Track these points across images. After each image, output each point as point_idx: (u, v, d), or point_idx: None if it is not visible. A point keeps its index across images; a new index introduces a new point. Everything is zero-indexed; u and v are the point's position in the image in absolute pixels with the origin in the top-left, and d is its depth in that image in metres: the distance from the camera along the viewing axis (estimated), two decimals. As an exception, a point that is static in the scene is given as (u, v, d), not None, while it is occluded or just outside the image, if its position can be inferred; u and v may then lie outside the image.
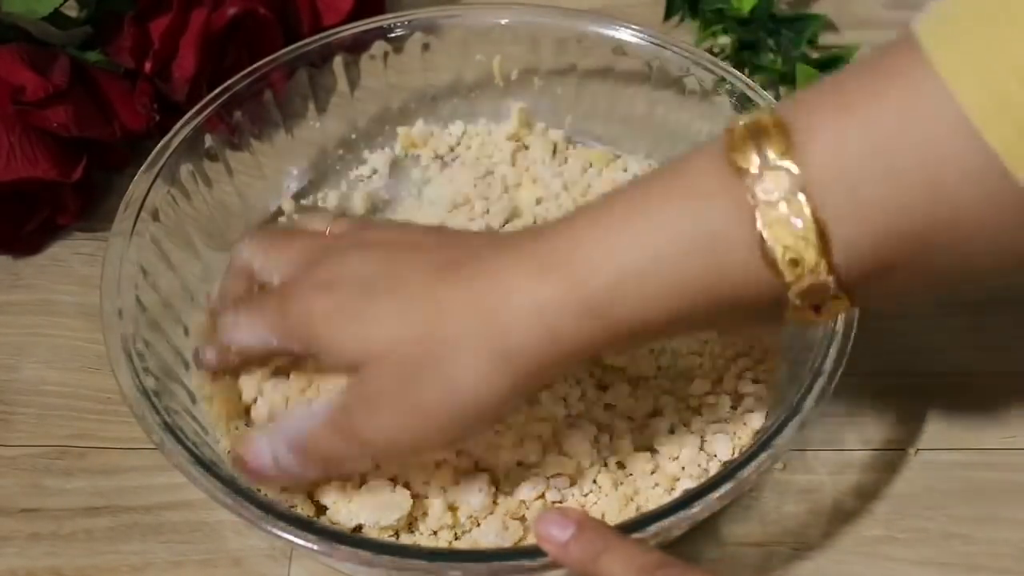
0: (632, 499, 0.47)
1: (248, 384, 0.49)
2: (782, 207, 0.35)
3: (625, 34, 0.58)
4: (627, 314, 0.38)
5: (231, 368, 0.48)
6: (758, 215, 0.35)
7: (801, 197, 0.35)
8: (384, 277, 0.42)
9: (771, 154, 0.35)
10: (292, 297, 0.43)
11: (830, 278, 0.36)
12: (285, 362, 0.50)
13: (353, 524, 0.45)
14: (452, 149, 0.62)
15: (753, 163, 0.35)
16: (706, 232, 0.37)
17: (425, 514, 0.46)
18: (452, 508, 0.46)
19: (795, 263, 0.35)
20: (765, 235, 0.35)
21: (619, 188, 0.41)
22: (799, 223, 0.35)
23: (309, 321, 0.42)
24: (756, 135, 0.36)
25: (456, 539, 0.46)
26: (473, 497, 0.45)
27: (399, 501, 0.45)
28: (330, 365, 0.43)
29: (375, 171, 0.61)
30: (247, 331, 0.45)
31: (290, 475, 0.44)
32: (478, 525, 0.46)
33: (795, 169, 0.35)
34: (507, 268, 0.40)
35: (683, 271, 0.37)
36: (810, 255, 0.35)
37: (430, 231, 0.48)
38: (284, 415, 0.47)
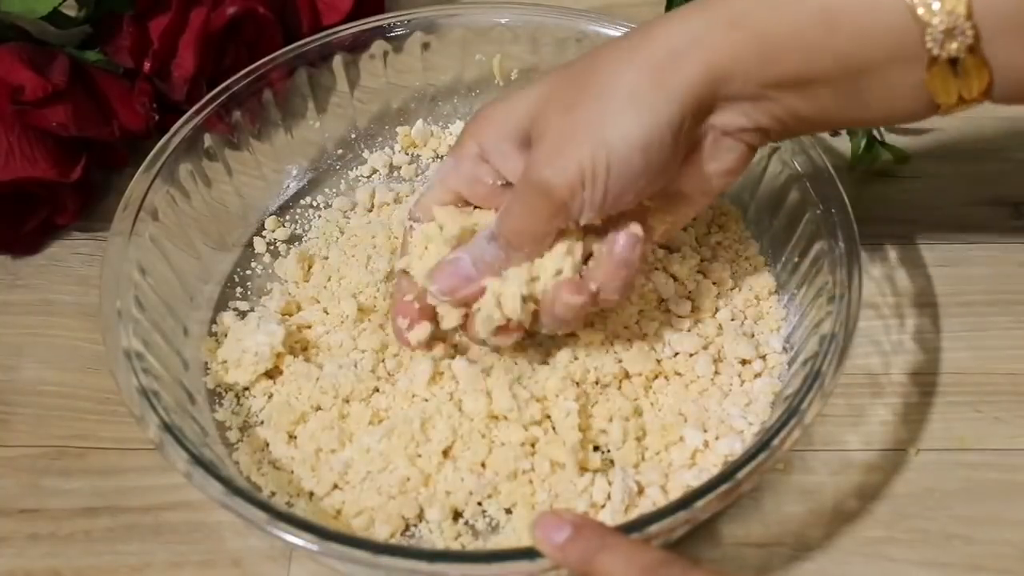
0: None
1: None
2: None
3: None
4: (770, 26, 0.40)
5: None
6: None
7: None
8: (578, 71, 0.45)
9: None
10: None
11: (967, 23, 0.37)
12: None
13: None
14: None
15: None
16: None
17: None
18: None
19: (944, 30, 0.37)
20: None
21: None
22: None
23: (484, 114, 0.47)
24: None
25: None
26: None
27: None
28: (506, 135, 0.46)
29: (375, 171, 0.61)
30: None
31: (496, 267, 0.45)
32: None
33: None
34: (660, 25, 0.43)
35: (826, 12, 0.39)
36: (959, 24, 0.37)
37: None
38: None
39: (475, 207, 0.48)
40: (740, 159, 0.45)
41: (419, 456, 0.47)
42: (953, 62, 0.38)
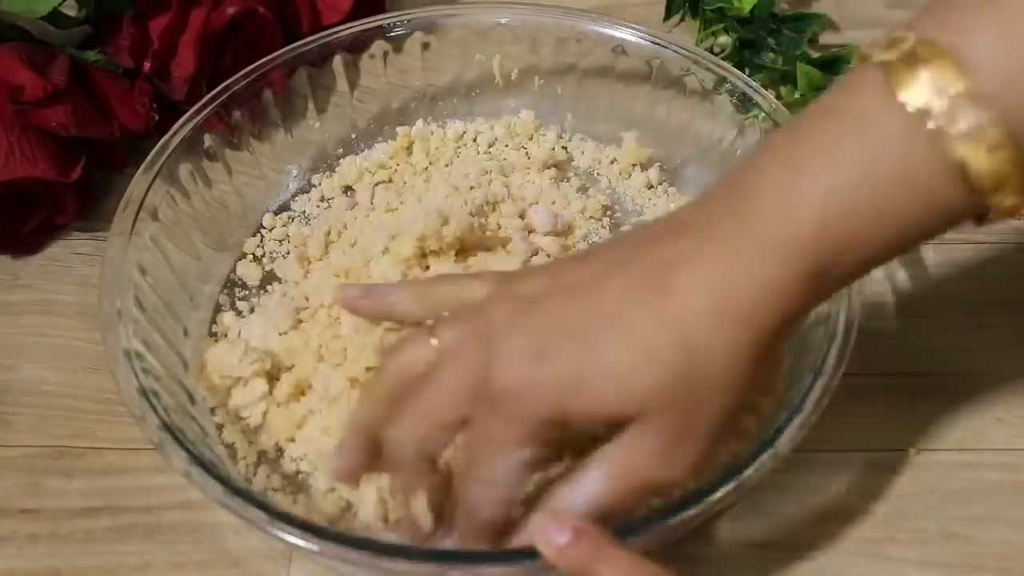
0: None
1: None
2: (974, 134, 0.35)
3: (625, 34, 0.58)
4: (842, 267, 0.38)
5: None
6: (953, 146, 0.35)
7: (988, 118, 0.34)
8: (588, 319, 0.39)
9: (939, 83, 0.35)
10: (508, 392, 0.39)
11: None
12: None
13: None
14: (456, 150, 0.62)
15: (927, 98, 0.35)
16: (898, 163, 0.36)
17: None
18: None
19: (998, 184, 0.35)
20: (966, 163, 0.35)
21: (761, 156, 0.39)
22: (996, 144, 0.35)
23: (543, 398, 0.38)
24: (913, 63, 0.35)
25: None
26: None
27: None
28: (580, 429, 0.40)
29: (375, 171, 0.61)
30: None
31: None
32: None
33: (972, 93, 0.34)
34: (721, 257, 0.38)
35: (886, 210, 0.37)
36: (1013, 172, 0.35)
37: (567, 260, 0.44)
38: (556, 493, 0.41)
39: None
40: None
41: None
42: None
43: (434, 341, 0.41)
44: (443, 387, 0.40)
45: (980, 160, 0.35)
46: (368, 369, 0.49)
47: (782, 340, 0.39)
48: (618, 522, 0.40)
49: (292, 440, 0.49)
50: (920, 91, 0.35)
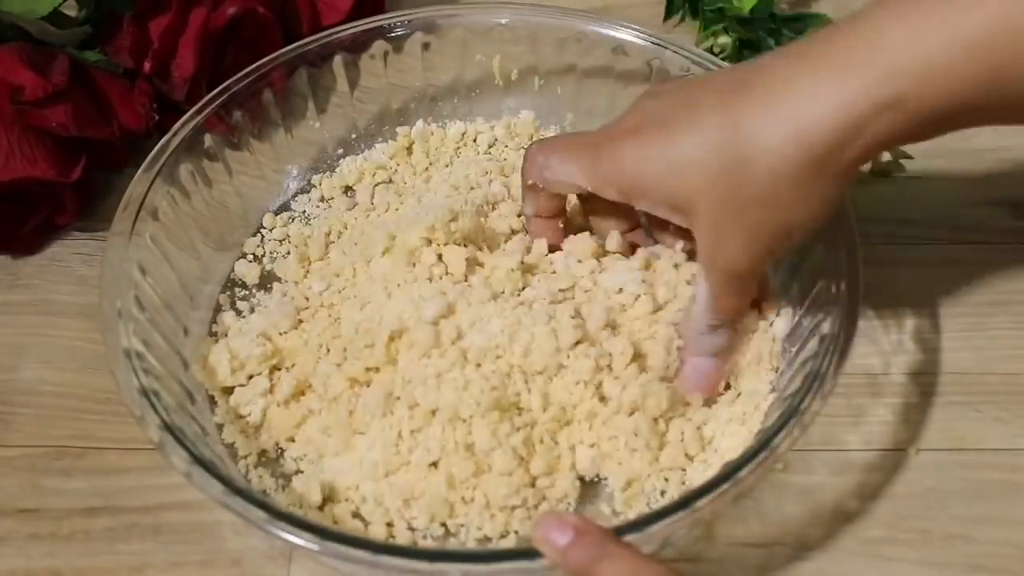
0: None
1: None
2: None
3: (625, 34, 0.58)
4: (930, 104, 0.39)
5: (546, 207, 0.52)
6: None
7: None
8: (679, 107, 0.44)
9: None
10: (602, 145, 0.47)
11: None
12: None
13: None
14: (456, 150, 0.62)
15: None
16: (1007, 26, 0.37)
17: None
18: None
19: None
20: None
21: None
22: None
23: (622, 168, 0.46)
24: None
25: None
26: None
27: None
28: (651, 207, 0.46)
29: (375, 171, 0.61)
30: (562, 175, 0.48)
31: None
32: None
33: None
34: (802, 75, 0.41)
35: (987, 60, 0.38)
36: None
37: (712, 72, 0.52)
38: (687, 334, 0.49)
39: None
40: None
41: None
42: None
43: None
44: None
45: None
46: (368, 369, 0.49)
47: (843, 181, 0.42)
48: (746, 315, 0.50)
49: (292, 440, 0.50)
50: None
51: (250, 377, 0.51)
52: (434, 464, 0.47)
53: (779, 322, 0.53)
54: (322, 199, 0.60)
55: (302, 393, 0.51)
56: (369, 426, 0.48)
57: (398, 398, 0.48)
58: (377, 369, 0.50)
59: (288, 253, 0.57)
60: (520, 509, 0.46)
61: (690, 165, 0.43)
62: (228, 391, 0.51)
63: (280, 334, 0.52)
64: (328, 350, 0.51)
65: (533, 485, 0.47)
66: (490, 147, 0.62)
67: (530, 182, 0.50)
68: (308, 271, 0.56)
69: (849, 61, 0.39)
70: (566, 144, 0.49)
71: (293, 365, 0.51)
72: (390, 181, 0.61)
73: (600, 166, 0.47)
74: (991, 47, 0.38)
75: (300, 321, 0.53)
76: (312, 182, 0.61)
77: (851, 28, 0.40)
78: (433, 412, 0.47)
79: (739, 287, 0.47)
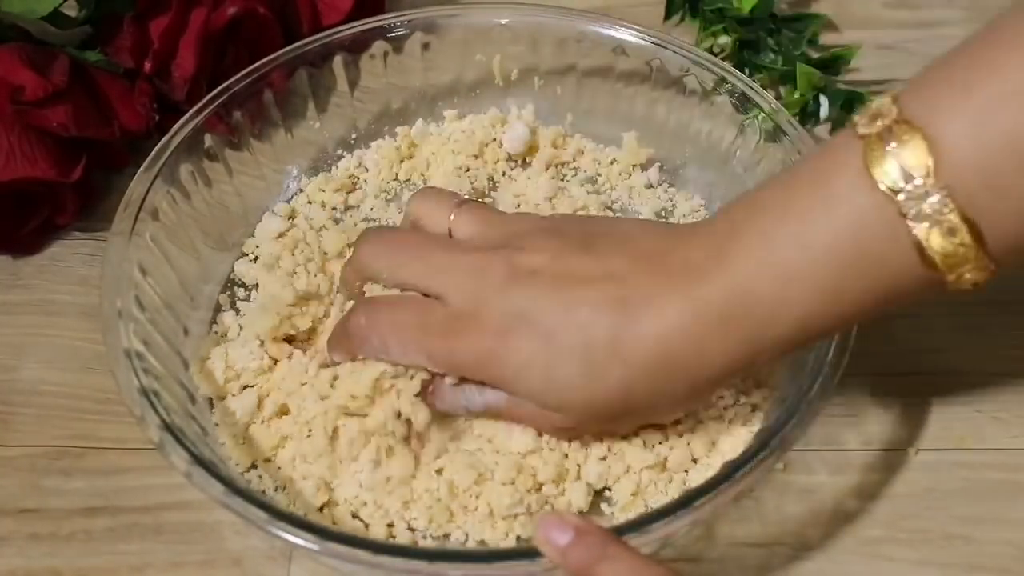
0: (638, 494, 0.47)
1: None
2: (935, 216, 0.37)
3: (625, 34, 0.58)
4: (784, 318, 0.41)
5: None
6: (912, 228, 0.37)
7: (949, 204, 0.37)
8: (561, 317, 0.43)
9: (910, 164, 0.37)
10: (461, 335, 0.45)
11: (990, 265, 0.38)
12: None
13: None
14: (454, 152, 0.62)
15: (895, 179, 0.37)
16: (861, 242, 0.39)
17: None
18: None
19: (955, 264, 0.38)
20: (923, 244, 0.37)
21: (756, 196, 0.43)
22: (954, 228, 0.37)
23: (487, 363, 0.44)
24: (888, 140, 0.37)
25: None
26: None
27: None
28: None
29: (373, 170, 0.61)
30: (400, 356, 0.46)
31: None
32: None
33: (936, 178, 0.36)
34: (661, 299, 0.42)
35: (840, 273, 0.39)
36: (970, 254, 0.37)
37: (574, 238, 0.46)
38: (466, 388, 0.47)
39: None
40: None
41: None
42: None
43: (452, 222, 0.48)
44: (437, 260, 0.46)
45: (935, 242, 0.37)
46: (353, 397, 0.48)
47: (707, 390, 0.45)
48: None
49: (269, 460, 0.49)
50: (891, 170, 0.37)
51: (244, 388, 0.51)
52: (437, 472, 0.47)
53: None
54: (322, 199, 0.60)
55: (285, 413, 0.50)
56: (358, 456, 0.48)
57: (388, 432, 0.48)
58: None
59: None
60: (523, 516, 0.46)
61: (572, 388, 0.44)
62: (223, 396, 0.51)
63: (274, 340, 0.52)
64: (315, 377, 0.50)
65: (539, 490, 0.47)
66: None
67: (361, 358, 0.47)
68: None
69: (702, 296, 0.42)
70: (402, 324, 0.46)
71: (280, 381, 0.51)
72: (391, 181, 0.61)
73: (456, 358, 0.45)
74: (833, 264, 0.40)
75: (292, 338, 0.52)
76: (312, 182, 0.61)
77: (700, 245, 0.43)
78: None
79: (548, 428, 0.47)
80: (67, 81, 0.56)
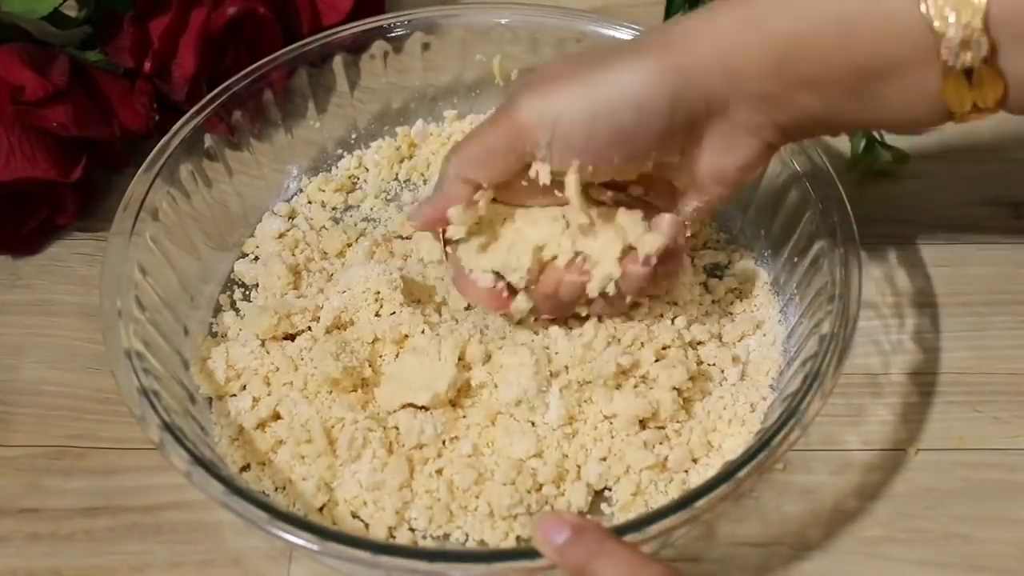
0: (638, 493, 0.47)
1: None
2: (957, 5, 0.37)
3: (625, 34, 0.58)
4: (786, 28, 0.41)
5: None
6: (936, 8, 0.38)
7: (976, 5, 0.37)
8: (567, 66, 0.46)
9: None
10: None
11: (983, 36, 0.38)
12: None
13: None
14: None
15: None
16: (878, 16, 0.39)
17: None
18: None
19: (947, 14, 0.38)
20: (934, 27, 0.38)
21: None
22: (970, 25, 0.37)
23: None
24: None
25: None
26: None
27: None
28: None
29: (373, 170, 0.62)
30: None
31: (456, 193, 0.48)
32: None
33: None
34: (677, 20, 0.45)
35: (843, 18, 0.40)
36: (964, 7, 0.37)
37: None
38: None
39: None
40: (757, 155, 0.46)
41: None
42: (968, 72, 0.39)
43: None
44: None
45: (950, 29, 0.38)
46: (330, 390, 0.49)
47: (716, 109, 0.44)
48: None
49: (264, 464, 0.49)
50: None
51: (243, 387, 0.51)
52: (437, 472, 0.47)
53: (779, 322, 0.53)
54: (322, 198, 0.60)
55: (278, 417, 0.50)
56: (358, 456, 0.48)
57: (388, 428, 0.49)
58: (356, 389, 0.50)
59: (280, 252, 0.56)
60: (523, 516, 0.46)
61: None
62: (223, 396, 0.51)
63: (273, 339, 0.52)
64: (308, 377, 0.50)
65: (539, 491, 0.47)
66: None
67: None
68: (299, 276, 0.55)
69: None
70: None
71: (277, 385, 0.51)
72: (392, 180, 0.61)
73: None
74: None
75: (291, 336, 0.53)
76: (312, 182, 0.61)
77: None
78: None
79: (502, 127, 0.46)
80: (67, 81, 0.56)
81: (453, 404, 0.49)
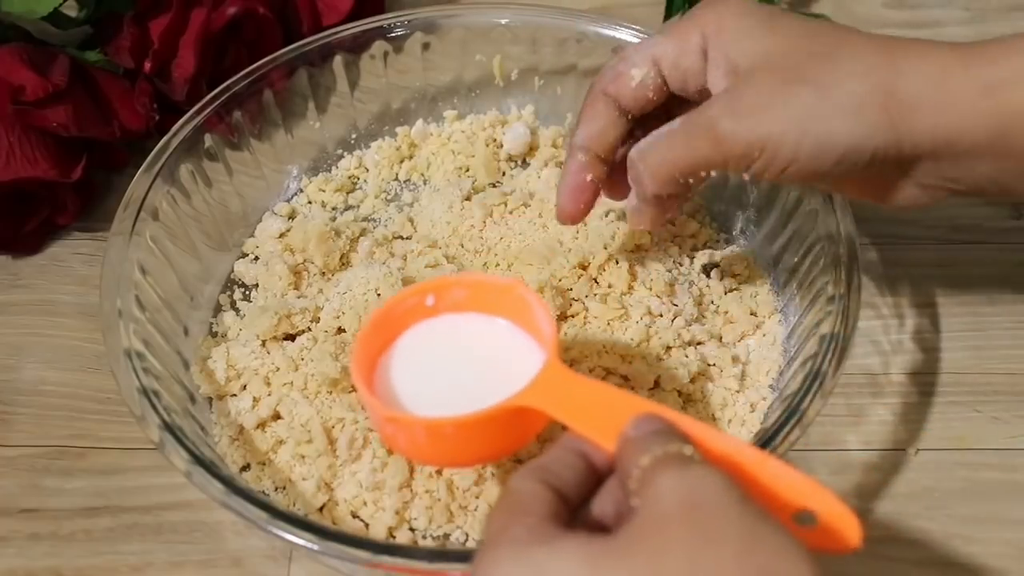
0: None
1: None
2: None
3: (625, 34, 0.58)
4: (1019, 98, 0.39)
5: None
6: None
7: None
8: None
9: None
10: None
11: None
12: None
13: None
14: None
15: None
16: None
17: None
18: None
19: None
20: None
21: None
22: None
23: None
24: None
25: None
26: None
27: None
28: (724, 49, 0.43)
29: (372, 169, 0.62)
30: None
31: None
32: None
33: None
34: (915, 53, 0.41)
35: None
36: None
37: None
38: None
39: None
40: (920, 203, 0.44)
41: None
42: None
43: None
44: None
45: None
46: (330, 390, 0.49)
47: (910, 169, 0.42)
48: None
49: (264, 464, 0.49)
50: None
51: (243, 387, 0.51)
52: (437, 472, 0.47)
53: (779, 322, 0.53)
54: (321, 199, 0.60)
55: (278, 417, 0.50)
56: (358, 457, 0.48)
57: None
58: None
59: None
60: None
61: (782, 27, 0.42)
62: (223, 396, 0.51)
63: (274, 339, 0.52)
64: (307, 376, 0.50)
65: None
66: (490, 147, 0.62)
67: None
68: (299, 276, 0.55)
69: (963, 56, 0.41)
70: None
71: (277, 384, 0.51)
72: (392, 181, 0.61)
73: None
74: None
75: (292, 335, 0.53)
76: (312, 182, 0.61)
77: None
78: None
79: (696, 146, 0.43)
80: (67, 81, 0.56)
81: None
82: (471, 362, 0.44)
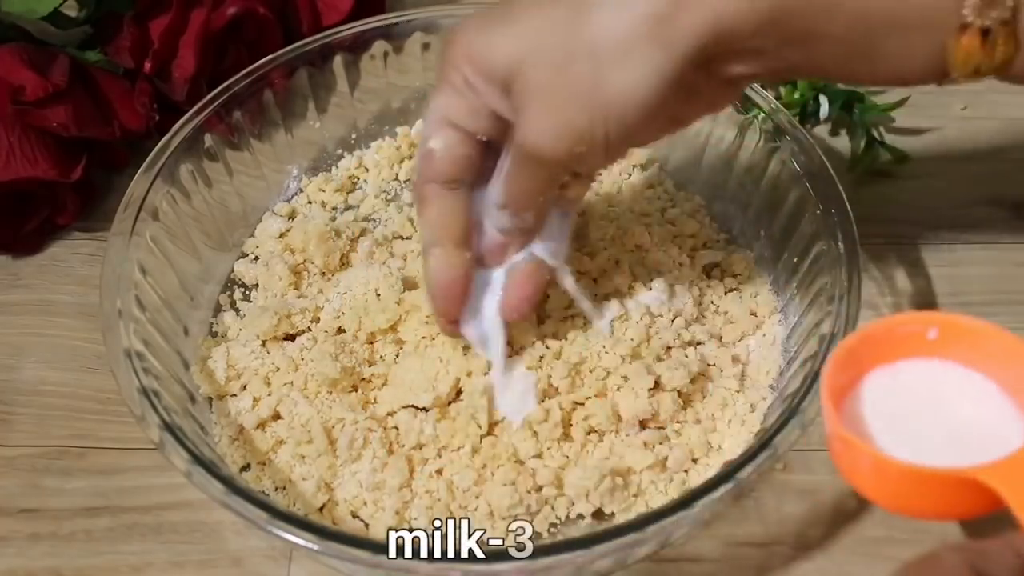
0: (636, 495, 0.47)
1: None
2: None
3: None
4: None
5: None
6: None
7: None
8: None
9: None
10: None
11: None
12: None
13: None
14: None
15: None
16: None
17: None
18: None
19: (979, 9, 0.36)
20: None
21: None
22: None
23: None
24: None
25: None
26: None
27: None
28: (486, 74, 0.42)
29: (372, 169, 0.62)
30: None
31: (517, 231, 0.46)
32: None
33: None
34: None
35: None
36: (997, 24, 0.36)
37: None
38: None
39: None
40: (731, 99, 0.45)
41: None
42: (985, 32, 0.38)
43: None
44: None
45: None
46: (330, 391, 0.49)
47: (675, 60, 0.39)
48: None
49: (264, 464, 0.49)
50: None
51: (243, 387, 0.51)
52: (437, 472, 0.47)
53: (779, 322, 0.53)
54: (321, 199, 0.60)
55: (278, 417, 0.50)
56: (358, 457, 0.48)
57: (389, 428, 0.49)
58: (354, 389, 0.50)
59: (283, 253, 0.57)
60: (523, 516, 0.46)
61: (522, 22, 0.41)
62: (223, 396, 0.51)
63: (274, 339, 0.52)
64: (307, 377, 0.50)
65: (539, 491, 0.47)
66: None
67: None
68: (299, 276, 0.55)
69: None
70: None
71: (278, 384, 0.51)
72: (392, 181, 0.61)
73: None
74: None
75: (292, 335, 0.53)
76: (312, 182, 0.61)
77: None
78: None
79: (532, 170, 0.43)
80: (67, 81, 0.56)
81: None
82: (947, 416, 0.39)
